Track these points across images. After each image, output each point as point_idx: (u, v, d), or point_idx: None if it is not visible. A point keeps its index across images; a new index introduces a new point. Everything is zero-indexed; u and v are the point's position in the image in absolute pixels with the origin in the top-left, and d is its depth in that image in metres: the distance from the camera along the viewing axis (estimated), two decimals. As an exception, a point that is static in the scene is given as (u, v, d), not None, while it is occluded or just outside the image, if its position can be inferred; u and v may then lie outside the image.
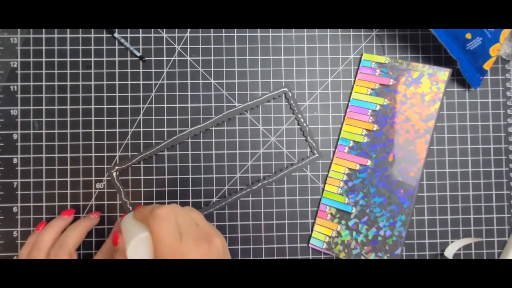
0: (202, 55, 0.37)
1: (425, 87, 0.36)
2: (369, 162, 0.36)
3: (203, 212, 0.36)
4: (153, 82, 0.37)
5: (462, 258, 0.37)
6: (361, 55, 0.37)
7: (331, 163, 0.37)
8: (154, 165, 0.37)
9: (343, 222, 0.36)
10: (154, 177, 0.37)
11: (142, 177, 0.37)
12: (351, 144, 0.37)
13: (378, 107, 0.36)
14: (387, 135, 0.36)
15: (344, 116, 0.37)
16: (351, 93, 0.37)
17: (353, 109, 0.37)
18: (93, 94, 0.37)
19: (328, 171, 0.37)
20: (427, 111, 0.36)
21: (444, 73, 0.36)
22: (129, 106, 0.37)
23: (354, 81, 0.37)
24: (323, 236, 0.36)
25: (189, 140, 0.37)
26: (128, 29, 0.37)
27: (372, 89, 0.37)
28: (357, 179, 0.36)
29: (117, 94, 0.37)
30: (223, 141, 0.37)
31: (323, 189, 0.37)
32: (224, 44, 0.37)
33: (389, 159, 0.36)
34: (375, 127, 0.36)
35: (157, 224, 0.25)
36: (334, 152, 0.37)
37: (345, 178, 0.37)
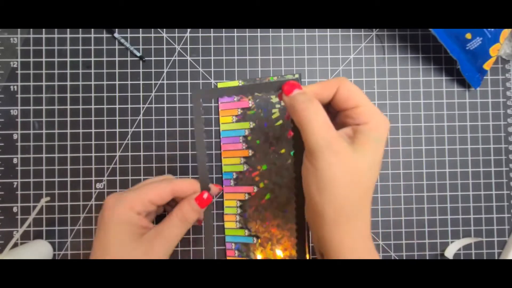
0: (202, 55, 0.37)
1: (275, 100, 0.36)
2: (255, 189, 0.36)
3: None
4: (153, 82, 0.37)
5: (462, 258, 0.37)
6: (216, 84, 0.37)
7: (222, 200, 0.36)
8: (154, 165, 0.37)
9: (251, 255, 0.36)
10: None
11: (142, 177, 0.37)
12: (235, 175, 0.36)
13: (247, 132, 0.36)
14: (263, 156, 0.35)
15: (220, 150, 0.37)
16: (219, 125, 0.36)
17: (226, 140, 0.36)
18: (93, 94, 0.37)
19: (223, 208, 0.36)
20: (284, 122, 0.35)
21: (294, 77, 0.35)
22: (129, 106, 0.37)
23: (218, 112, 0.36)
24: None
25: (189, 140, 0.37)
26: (128, 29, 0.37)
27: (235, 115, 0.36)
28: (250, 207, 0.36)
29: (117, 94, 0.37)
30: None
31: (223, 227, 0.36)
32: (224, 44, 0.37)
33: (272, 178, 0.35)
34: (250, 152, 0.36)
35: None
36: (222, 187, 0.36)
37: (239, 211, 0.36)
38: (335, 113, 0.27)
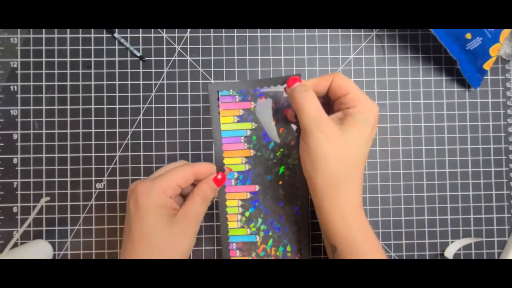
0: (202, 55, 0.37)
1: (283, 99, 0.35)
2: (257, 188, 0.36)
3: None
4: (153, 82, 0.37)
5: (462, 258, 0.37)
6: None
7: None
8: (154, 165, 0.37)
9: (253, 254, 0.36)
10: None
11: (142, 177, 0.37)
12: (236, 175, 0.36)
13: (248, 132, 0.35)
14: (266, 156, 0.35)
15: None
16: (220, 125, 0.36)
17: (227, 140, 0.35)
18: (93, 94, 0.37)
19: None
20: (291, 123, 0.35)
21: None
22: (129, 106, 0.37)
23: (219, 112, 0.35)
24: None
25: (189, 140, 0.37)
26: (128, 29, 0.37)
27: (237, 116, 0.35)
28: (251, 207, 0.36)
29: (117, 94, 0.37)
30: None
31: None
32: (224, 44, 0.37)
33: (274, 178, 0.36)
34: (252, 152, 0.36)
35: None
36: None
37: (240, 210, 0.36)
38: (333, 103, 0.31)
